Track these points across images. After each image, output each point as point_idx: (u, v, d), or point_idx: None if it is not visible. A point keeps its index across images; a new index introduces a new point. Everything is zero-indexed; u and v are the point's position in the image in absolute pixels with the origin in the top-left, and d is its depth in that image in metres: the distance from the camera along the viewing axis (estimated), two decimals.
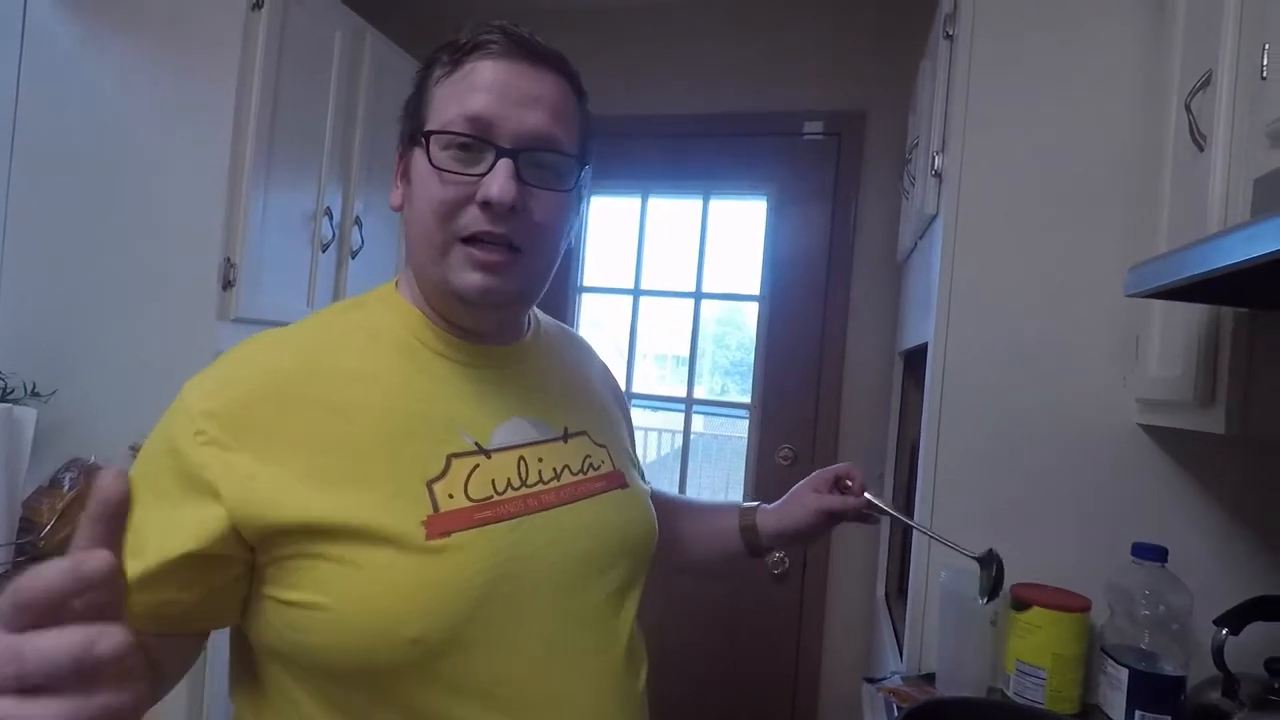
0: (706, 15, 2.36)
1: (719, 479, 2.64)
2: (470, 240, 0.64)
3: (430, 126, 0.65)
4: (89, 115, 1.61)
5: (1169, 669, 1.06)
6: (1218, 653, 0.95)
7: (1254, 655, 0.96)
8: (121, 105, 1.60)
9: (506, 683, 0.62)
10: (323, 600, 0.58)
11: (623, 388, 0.99)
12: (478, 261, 0.64)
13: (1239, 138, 0.85)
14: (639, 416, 2.74)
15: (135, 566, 0.56)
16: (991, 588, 0.89)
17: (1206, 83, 0.92)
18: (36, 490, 1.46)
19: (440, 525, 0.61)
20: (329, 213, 1.81)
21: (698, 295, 2.43)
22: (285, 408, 0.61)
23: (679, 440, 2.47)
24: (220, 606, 0.62)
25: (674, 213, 2.49)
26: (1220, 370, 0.90)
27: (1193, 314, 0.95)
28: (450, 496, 0.62)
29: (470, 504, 0.63)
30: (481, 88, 0.64)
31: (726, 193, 2.42)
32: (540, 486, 0.68)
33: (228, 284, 1.55)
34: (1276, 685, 0.93)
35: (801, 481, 0.94)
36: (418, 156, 0.66)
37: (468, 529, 0.62)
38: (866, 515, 0.93)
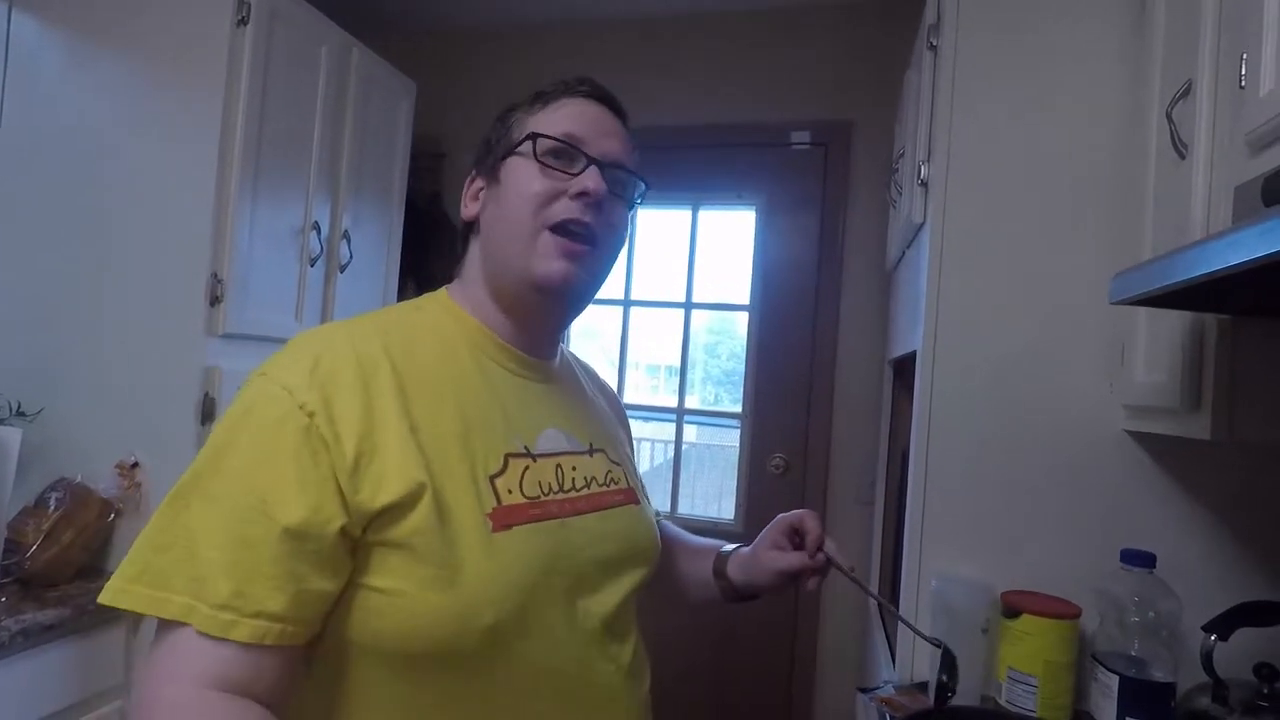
0: (693, 28, 2.38)
1: (711, 488, 2.64)
2: (557, 229, 0.72)
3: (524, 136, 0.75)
4: (74, 132, 1.61)
5: (1159, 675, 1.06)
6: (1207, 658, 0.95)
7: (1243, 661, 0.96)
8: (107, 121, 1.59)
9: (560, 672, 0.67)
10: (408, 588, 0.61)
11: None
12: (565, 249, 0.72)
13: (1220, 146, 0.86)
14: (631, 427, 2.74)
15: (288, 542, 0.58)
16: (939, 690, 0.85)
17: (1187, 92, 0.93)
18: (22, 511, 1.44)
19: (504, 518, 0.66)
20: (317, 227, 1.80)
21: (688, 305, 2.43)
22: (373, 391, 0.64)
23: (671, 450, 2.47)
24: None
25: (663, 223, 2.50)
26: (1205, 376, 0.90)
27: (1177, 321, 0.96)
28: (509, 492, 0.68)
29: (525, 500, 0.69)
30: (573, 116, 0.76)
31: (715, 203, 2.43)
32: (574, 493, 0.74)
33: (215, 300, 1.54)
34: (1265, 690, 0.93)
35: (763, 532, 0.90)
36: (514, 161, 0.75)
37: (526, 523, 0.67)
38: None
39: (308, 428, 0.60)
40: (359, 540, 0.62)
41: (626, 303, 2.48)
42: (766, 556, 0.87)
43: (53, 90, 1.62)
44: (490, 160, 0.78)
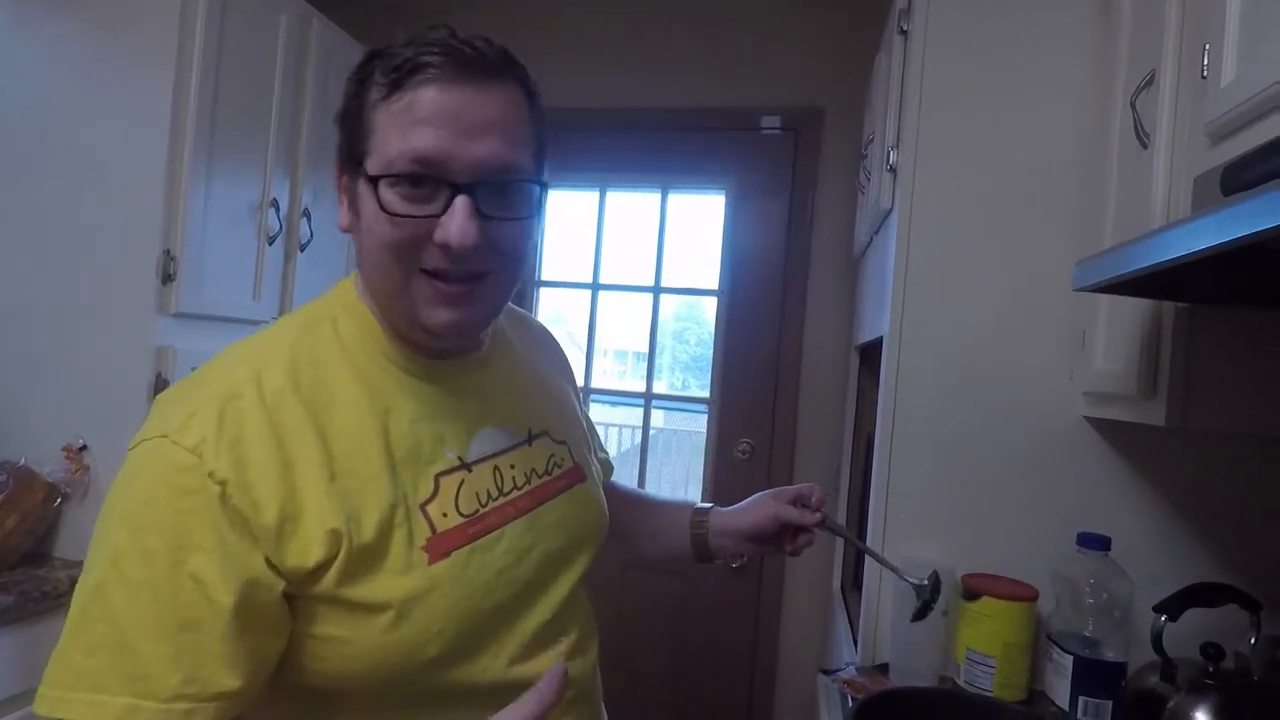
0: (664, 9, 2.35)
1: (679, 473, 2.65)
2: (432, 273, 0.61)
3: (374, 160, 0.60)
4: (19, 100, 1.53)
5: (1111, 655, 1.09)
6: (1157, 638, 0.98)
7: (1191, 640, 0.99)
8: (53, 89, 1.52)
9: (491, 676, 0.65)
10: (345, 634, 0.59)
11: (581, 383, 0.97)
12: (444, 295, 0.61)
13: (1181, 136, 0.87)
14: (599, 412, 2.74)
15: (220, 622, 0.54)
16: (921, 608, 0.92)
17: (1150, 82, 0.94)
18: None
19: (441, 546, 0.63)
20: (275, 204, 1.75)
21: (656, 290, 2.42)
22: (288, 442, 0.58)
23: (638, 435, 2.46)
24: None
25: (632, 206, 2.48)
26: (1161, 364, 0.92)
27: (1136, 309, 0.97)
28: (444, 515, 0.64)
29: (462, 519, 0.65)
30: (427, 120, 0.58)
31: (685, 187, 2.42)
32: (515, 493, 0.70)
33: (168, 278, 1.49)
34: (1211, 669, 0.96)
35: (764, 491, 0.94)
36: (364, 192, 0.61)
37: (464, 545, 0.64)
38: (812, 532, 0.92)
39: (222, 496, 0.55)
40: (294, 595, 0.59)
41: (595, 286, 2.46)
42: (769, 503, 0.91)
43: None
44: (344, 155, 0.64)
